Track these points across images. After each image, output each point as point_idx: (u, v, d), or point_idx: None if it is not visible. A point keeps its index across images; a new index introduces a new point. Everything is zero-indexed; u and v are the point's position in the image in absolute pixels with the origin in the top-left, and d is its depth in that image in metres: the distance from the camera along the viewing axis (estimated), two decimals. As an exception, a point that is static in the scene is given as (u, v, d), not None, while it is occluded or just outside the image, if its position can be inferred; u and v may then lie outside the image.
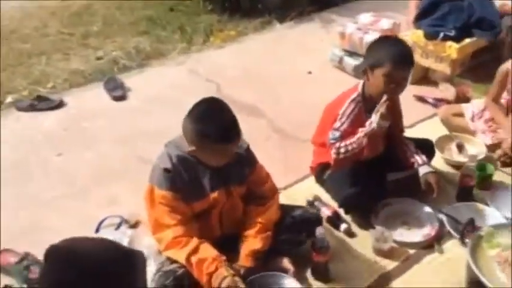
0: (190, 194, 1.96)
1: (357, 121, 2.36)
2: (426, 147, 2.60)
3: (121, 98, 3.55)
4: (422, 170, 2.44)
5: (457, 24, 3.18)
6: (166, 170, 1.93)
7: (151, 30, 4.59)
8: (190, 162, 1.96)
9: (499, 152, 2.76)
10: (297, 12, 4.71)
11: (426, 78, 3.56)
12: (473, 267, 1.71)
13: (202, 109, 1.90)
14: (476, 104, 2.94)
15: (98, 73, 3.87)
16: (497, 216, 2.31)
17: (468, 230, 1.88)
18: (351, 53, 3.65)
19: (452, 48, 3.17)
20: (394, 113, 2.52)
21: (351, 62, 3.64)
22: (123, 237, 2.24)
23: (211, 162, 1.96)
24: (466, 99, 3.20)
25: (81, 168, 2.90)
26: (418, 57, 3.37)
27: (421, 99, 3.33)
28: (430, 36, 3.23)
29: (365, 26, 3.63)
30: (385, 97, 2.26)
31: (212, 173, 1.99)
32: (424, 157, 2.46)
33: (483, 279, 1.67)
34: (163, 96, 3.60)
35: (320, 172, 2.57)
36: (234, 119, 1.91)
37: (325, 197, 2.55)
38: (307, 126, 3.15)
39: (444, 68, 3.31)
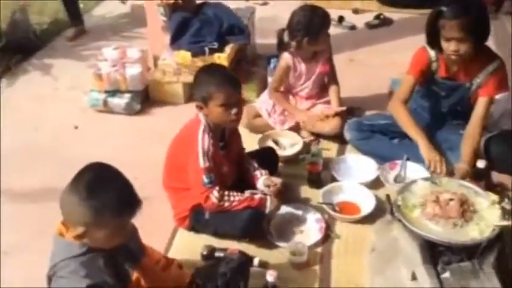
0: None
1: (215, 152, 2.31)
2: (270, 155, 2.74)
3: None
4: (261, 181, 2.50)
5: (214, 36, 3.33)
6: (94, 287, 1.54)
7: None
8: (98, 257, 1.63)
9: (304, 135, 3.10)
10: (3, 68, 3.99)
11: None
12: (423, 233, 1.96)
13: (93, 179, 1.57)
14: (266, 101, 3.19)
15: None
16: (355, 186, 2.64)
17: (392, 206, 2.10)
18: (115, 92, 3.38)
19: (222, 58, 3.31)
20: (237, 137, 2.54)
21: (118, 101, 3.38)
22: None
23: (109, 243, 1.64)
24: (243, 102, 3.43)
25: None
26: (186, 77, 3.40)
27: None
28: (197, 53, 3.29)
29: (118, 61, 3.40)
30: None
31: (117, 256, 1.72)
32: (263, 171, 2.53)
33: (440, 239, 1.94)
34: None
35: (198, 215, 2.38)
36: (130, 183, 1.66)
37: (215, 241, 2.38)
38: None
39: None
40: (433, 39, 2.54)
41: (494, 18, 4.27)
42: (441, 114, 2.84)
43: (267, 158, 2.69)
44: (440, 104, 2.80)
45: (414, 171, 2.70)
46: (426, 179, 2.27)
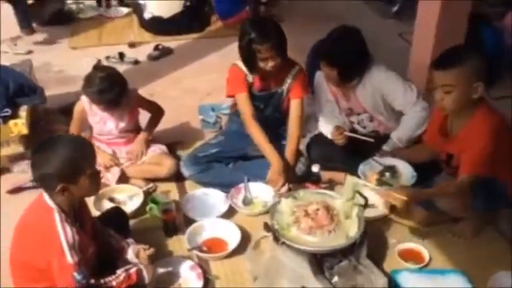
0: None
1: (79, 240, 2.00)
2: (118, 215, 2.53)
3: None
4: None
5: (3, 102, 2.87)
6: None
7: None
8: None
9: (138, 183, 2.94)
10: None
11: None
12: (308, 248, 2.07)
13: None
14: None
15: None
16: (215, 221, 2.62)
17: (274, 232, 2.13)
18: None
19: (19, 125, 2.87)
20: (85, 207, 2.26)
21: None
22: None
23: None
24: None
25: None
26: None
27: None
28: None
29: None
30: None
31: None
32: (127, 240, 2.34)
33: (325, 249, 2.06)
34: None
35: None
36: None
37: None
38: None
39: (16, 148, 2.96)
40: (250, 61, 2.75)
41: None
42: (265, 126, 3.01)
43: (116, 219, 2.47)
44: (261, 116, 2.96)
45: (257, 188, 2.84)
46: (288, 196, 2.41)
